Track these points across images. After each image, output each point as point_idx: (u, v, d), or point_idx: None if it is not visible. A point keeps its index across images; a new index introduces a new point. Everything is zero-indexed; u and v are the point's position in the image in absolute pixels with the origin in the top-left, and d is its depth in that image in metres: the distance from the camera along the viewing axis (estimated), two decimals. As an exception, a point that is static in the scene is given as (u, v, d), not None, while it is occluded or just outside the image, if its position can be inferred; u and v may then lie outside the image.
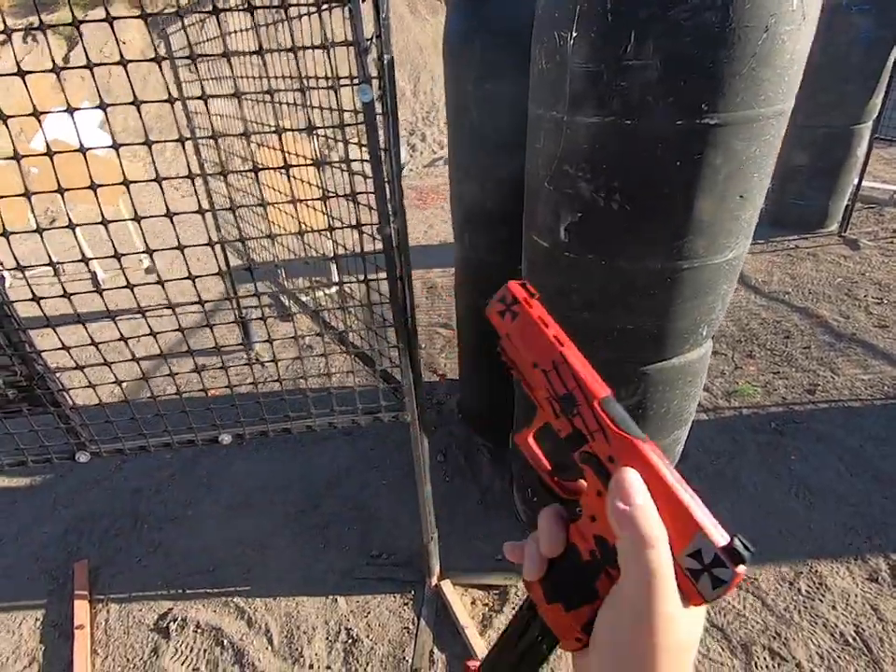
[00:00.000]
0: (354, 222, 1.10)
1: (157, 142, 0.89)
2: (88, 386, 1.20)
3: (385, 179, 1.06)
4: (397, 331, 1.24)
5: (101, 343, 1.11)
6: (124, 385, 1.20)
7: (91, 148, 0.88)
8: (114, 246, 1.03)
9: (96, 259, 1.20)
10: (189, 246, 1.02)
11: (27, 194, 0.89)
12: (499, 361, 0.36)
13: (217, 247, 3.15)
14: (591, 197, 1.11)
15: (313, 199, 1.10)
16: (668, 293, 1.18)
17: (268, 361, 1.37)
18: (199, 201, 1.01)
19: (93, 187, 0.91)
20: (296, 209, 1.10)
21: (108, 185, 0.91)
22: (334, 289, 3.73)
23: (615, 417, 0.31)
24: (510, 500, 2.07)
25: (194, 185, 1.01)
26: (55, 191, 0.89)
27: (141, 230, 0.97)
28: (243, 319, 3.00)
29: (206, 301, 1.12)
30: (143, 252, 0.99)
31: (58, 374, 1.21)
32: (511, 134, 1.63)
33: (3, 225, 0.92)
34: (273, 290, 3.44)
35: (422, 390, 1.35)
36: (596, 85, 1.00)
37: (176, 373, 1.23)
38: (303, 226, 1.19)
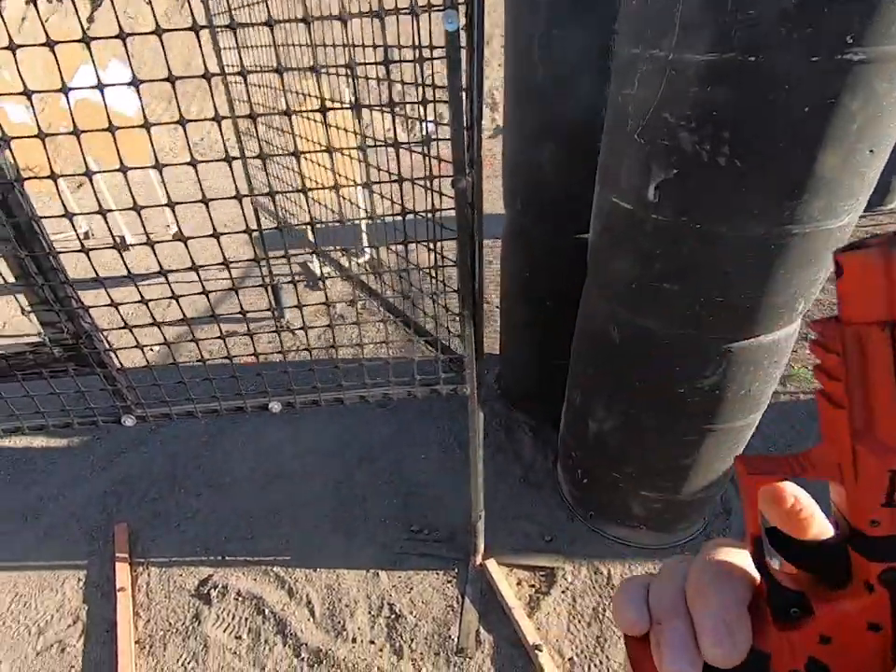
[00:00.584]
0: (422, 175, 1.00)
1: (180, 78, 0.79)
2: (136, 347, 1.13)
3: (465, 126, 0.94)
4: (462, 299, 1.14)
5: (150, 300, 1.04)
6: (172, 347, 1.13)
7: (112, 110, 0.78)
8: (137, 211, 0.95)
9: (120, 211, 1.12)
10: (214, 200, 0.92)
11: (41, 135, 0.80)
12: (821, 357, 0.22)
13: (247, 206, 3.07)
14: (693, 150, 0.98)
15: (385, 144, 0.99)
16: (770, 263, 1.06)
17: (319, 326, 1.28)
18: (226, 149, 0.91)
19: (111, 129, 0.82)
20: (335, 161, 0.99)
21: (129, 127, 0.81)
22: (367, 256, 3.64)
23: None
24: (553, 480, 2.00)
25: (221, 130, 0.91)
26: (82, 132, 0.80)
27: (165, 188, 0.88)
28: (273, 284, 2.93)
29: (236, 262, 1.04)
30: (165, 205, 0.90)
31: (105, 334, 1.14)
32: (577, 83, 1.49)
33: (50, 168, 0.84)
34: (314, 252, 3.35)
35: (483, 363, 1.26)
36: (717, 14, 0.86)
37: (229, 334, 1.16)
38: (358, 181, 1.08)
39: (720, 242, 1.06)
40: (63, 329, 1.08)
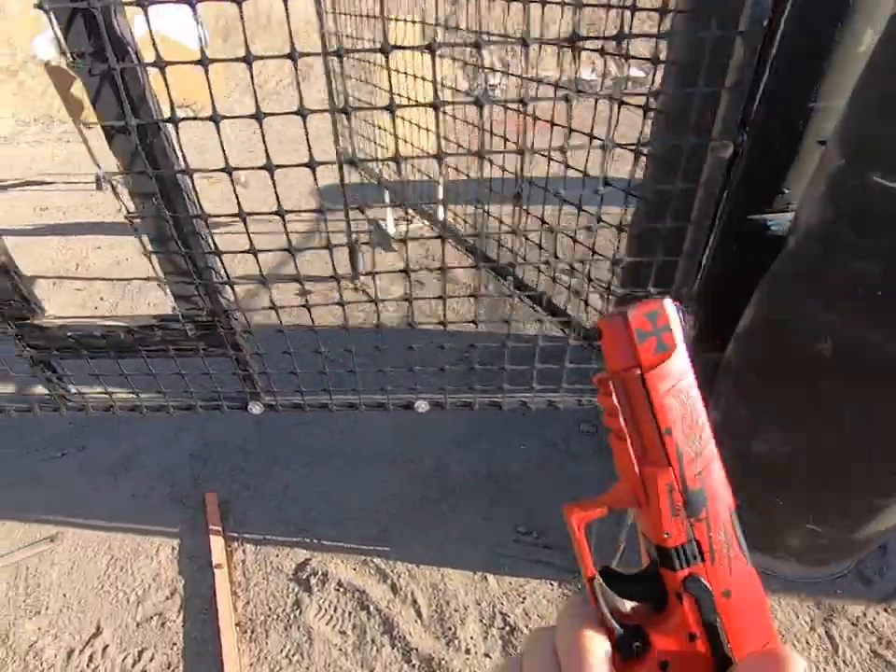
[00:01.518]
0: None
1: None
2: (269, 327, 0.96)
3: (752, 69, 0.69)
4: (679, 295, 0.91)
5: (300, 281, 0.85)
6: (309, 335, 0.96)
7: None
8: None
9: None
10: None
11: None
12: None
13: (333, 156, 2.84)
14: None
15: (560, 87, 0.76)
16: None
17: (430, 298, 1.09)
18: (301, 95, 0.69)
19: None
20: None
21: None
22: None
23: (741, 538, 0.25)
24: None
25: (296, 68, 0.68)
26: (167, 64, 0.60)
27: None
28: (351, 245, 2.74)
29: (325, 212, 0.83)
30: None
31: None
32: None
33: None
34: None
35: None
36: None
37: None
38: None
39: None
40: (199, 304, 0.92)
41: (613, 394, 0.26)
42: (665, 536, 0.25)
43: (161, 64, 0.67)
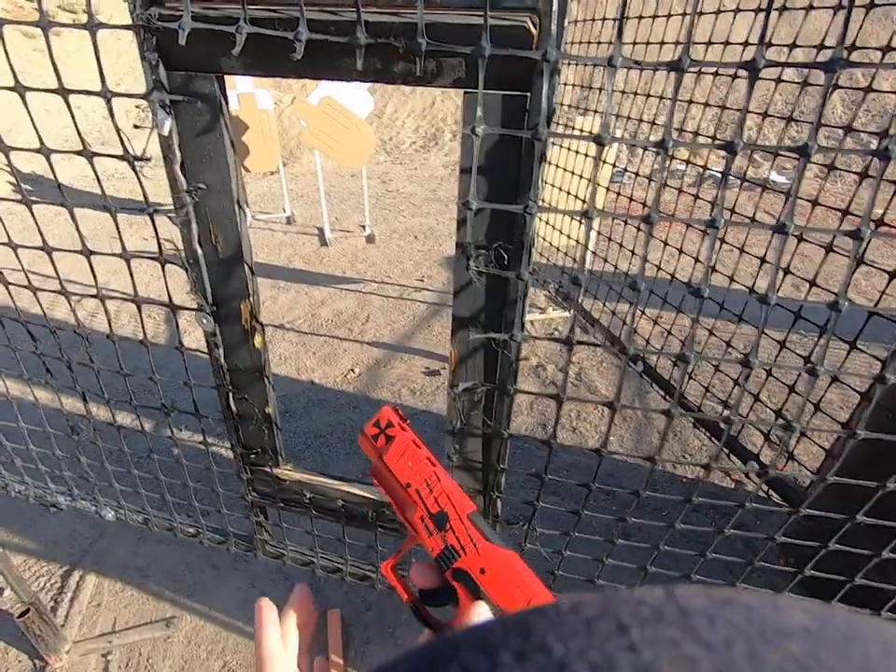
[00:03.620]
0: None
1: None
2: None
3: None
4: None
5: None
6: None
7: None
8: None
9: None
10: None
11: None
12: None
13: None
14: None
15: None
16: None
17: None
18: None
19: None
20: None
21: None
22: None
23: (483, 530, 0.34)
24: None
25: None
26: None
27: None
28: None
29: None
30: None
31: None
32: None
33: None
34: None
35: None
36: None
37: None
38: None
39: None
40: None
41: (376, 480, 0.39)
42: (431, 550, 0.36)
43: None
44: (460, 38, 0.45)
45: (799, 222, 0.46)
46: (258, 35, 0.48)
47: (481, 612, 0.33)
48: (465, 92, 0.49)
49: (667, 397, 1.56)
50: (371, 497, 0.83)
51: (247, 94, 4.27)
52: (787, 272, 1.09)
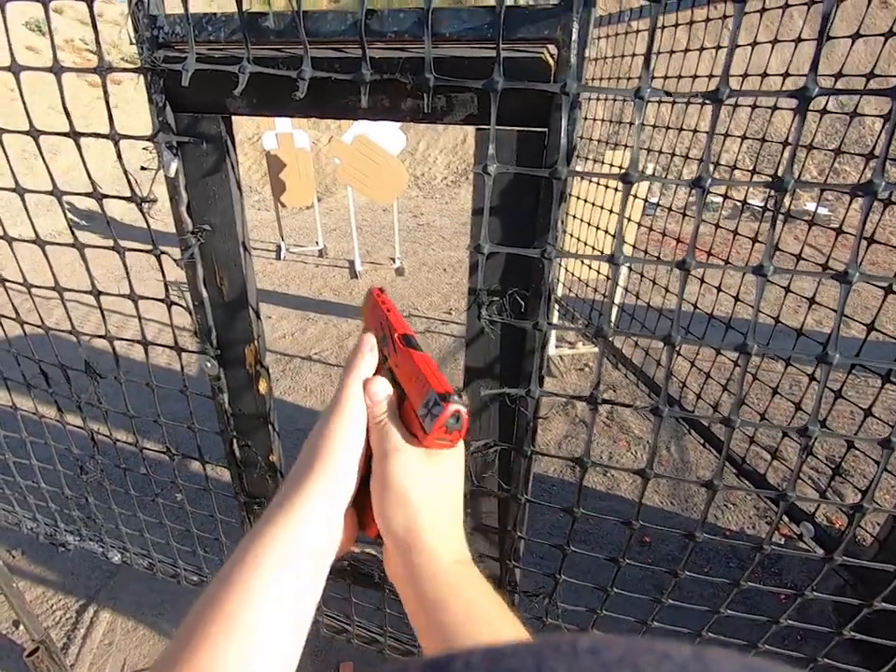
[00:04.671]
0: None
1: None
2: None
3: None
4: None
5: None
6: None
7: None
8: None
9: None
10: None
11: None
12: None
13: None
14: None
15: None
16: None
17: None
18: None
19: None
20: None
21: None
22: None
23: (406, 342, 0.43)
24: None
25: None
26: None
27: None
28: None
29: None
30: None
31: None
32: None
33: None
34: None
35: None
36: None
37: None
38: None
39: None
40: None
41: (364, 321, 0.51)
42: (386, 358, 0.45)
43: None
44: (471, 72, 0.42)
45: (845, 255, 0.39)
46: (262, 74, 0.46)
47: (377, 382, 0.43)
48: (477, 129, 0.45)
49: (706, 444, 1.44)
50: (378, 556, 0.76)
51: (285, 134, 4.44)
52: (844, 315, 1.00)
